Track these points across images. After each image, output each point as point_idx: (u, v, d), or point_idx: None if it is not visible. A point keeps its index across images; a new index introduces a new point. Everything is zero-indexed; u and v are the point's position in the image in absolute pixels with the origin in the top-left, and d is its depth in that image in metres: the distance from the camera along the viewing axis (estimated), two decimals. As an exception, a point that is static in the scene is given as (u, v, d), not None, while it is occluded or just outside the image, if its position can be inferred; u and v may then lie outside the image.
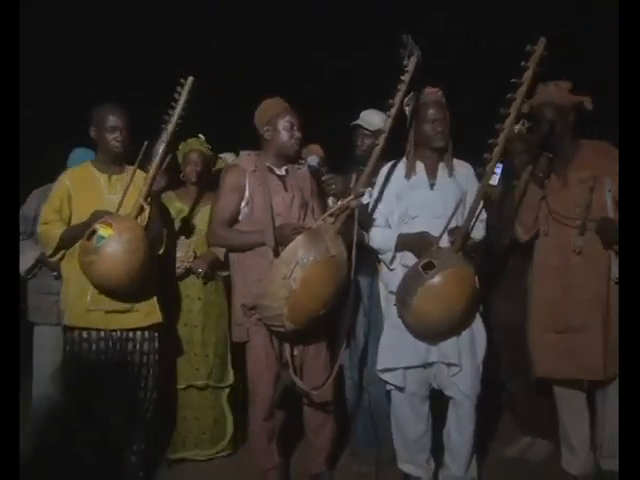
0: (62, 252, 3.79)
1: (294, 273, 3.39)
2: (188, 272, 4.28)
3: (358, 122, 4.39)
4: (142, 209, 3.74)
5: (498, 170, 3.64)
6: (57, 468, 3.88)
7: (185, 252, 4.24)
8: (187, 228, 4.38)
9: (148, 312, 3.83)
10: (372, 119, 4.35)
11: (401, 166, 3.87)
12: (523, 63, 3.37)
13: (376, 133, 4.22)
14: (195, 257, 4.28)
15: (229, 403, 4.45)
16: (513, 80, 3.38)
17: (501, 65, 3.68)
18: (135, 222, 3.69)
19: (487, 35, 6.95)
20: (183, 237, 4.32)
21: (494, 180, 3.68)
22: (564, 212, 3.74)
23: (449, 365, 3.73)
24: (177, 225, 4.35)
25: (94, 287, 3.67)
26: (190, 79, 3.74)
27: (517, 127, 4.07)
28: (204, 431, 4.38)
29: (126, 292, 3.70)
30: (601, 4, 5.03)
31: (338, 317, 3.75)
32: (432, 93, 3.77)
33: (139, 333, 3.83)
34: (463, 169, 3.89)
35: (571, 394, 3.94)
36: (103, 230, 3.51)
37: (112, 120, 3.80)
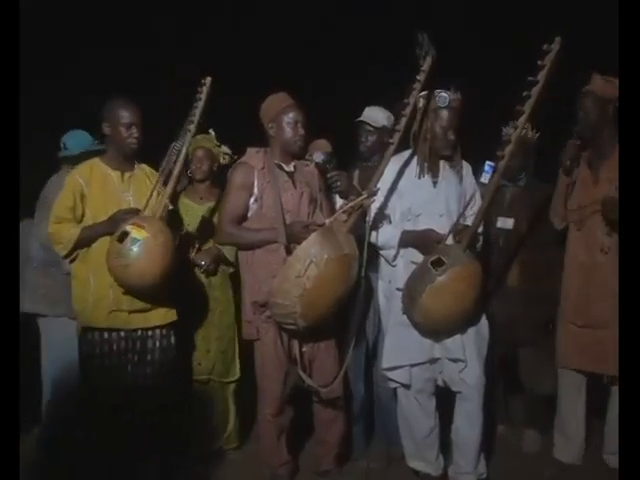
0: (77, 252, 3.72)
1: (308, 271, 3.39)
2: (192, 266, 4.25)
3: (362, 119, 4.38)
4: (167, 209, 3.70)
5: (489, 169, 3.61)
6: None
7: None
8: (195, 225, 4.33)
9: (167, 310, 3.83)
10: (376, 116, 4.35)
11: (402, 162, 3.83)
12: (539, 62, 3.36)
13: (380, 130, 4.26)
14: (198, 250, 4.25)
15: (234, 398, 4.46)
16: (529, 78, 3.37)
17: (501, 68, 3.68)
18: (164, 224, 3.64)
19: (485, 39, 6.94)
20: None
21: (485, 178, 3.67)
22: (593, 210, 3.77)
23: (455, 361, 3.74)
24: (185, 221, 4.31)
25: (124, 289, 3.63)
26: (209, 79, 3.67)
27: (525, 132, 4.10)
28: (206, 425, 4.40)
29: (156, 292, 3.68)
30: (601, 4, 4.99)
31: (349, 314, 3.76)
32: (456, 100, 3.69)
33: (158, 331, 3.83)
34: (463, 167, 3.89)
35: (575, 386, 4.02)
36: (137, 232, 3.46)
37: (127, 116, 3.71)
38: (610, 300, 3.69)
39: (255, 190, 3.70)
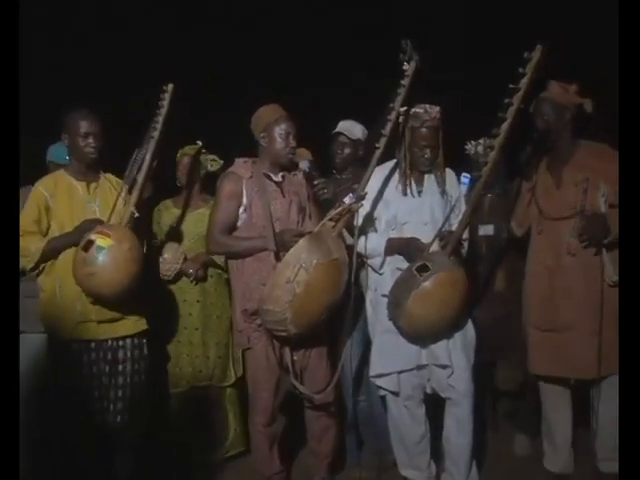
0: (43, 265, 3.68)
1: (297, 276, 3.39)
2: (179, 275, 4.30)
3: (340, 130, 4.42)
4: (133, 216, 3.70)
5: (466, 180, 3.63)
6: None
7: (173, 255, 4.26)
8: (181, 232, 4.41)
9: (136, 320, 3.81)
10: (352, 128, 4.42)
11: (387, 172, 3.87)
12: (521, 70, 3.39)
13: (355, 142, 4.34)
14: (185, 259, 4.30)
15: (231, 403, 4.48)
16: (511, 86, 3.41)
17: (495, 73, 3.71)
18: (130, 230, 3.65)
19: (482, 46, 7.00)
20: (171, 241, 4.34)
21: (463, 190, 3.69)
22: (556, 213, 3.81)
23: (443, 367, 3.76)
24: (173, 229, 4.40)
25: (92, 298, 3.61)
26: (170, 86, 3.71)
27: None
28: (208, 432, 4.40)
29: (123, 301, 3.66)
30: (601, 4, 5.06)
31: (339, 321, 3.75)
32: (429, 119, 3.70)
33: (129, 341, 3.80)
34: (447, 175, 3.91)
35: (556, 392, 4.01)
36: (102, 241, 3.45)
37: (85, 126, 3.70)
38: (576, 302, 3.72)
39: (244, 199, 3.72)
